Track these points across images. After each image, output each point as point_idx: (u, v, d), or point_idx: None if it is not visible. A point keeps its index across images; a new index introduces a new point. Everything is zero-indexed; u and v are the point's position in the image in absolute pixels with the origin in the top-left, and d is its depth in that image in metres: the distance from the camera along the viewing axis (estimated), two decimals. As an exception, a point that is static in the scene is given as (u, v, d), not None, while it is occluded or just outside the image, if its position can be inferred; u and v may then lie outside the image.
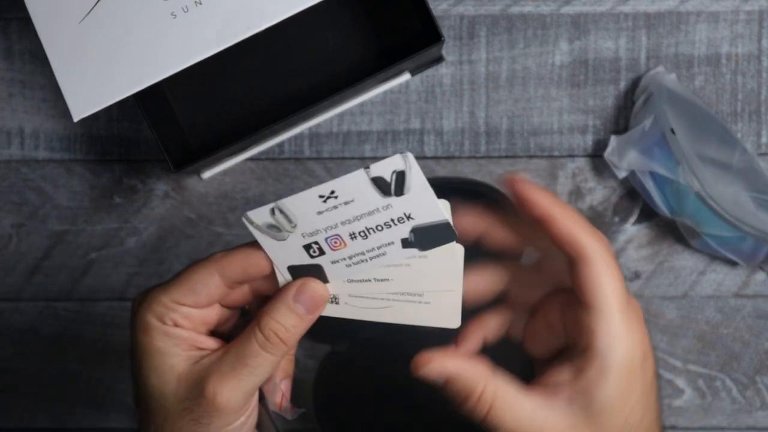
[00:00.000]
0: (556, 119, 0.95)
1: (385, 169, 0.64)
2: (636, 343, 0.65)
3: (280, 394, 0.71)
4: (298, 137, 0.95)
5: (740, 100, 0.94)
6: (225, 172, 0.95)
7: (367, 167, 0.64)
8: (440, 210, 0.66)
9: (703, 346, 0.96)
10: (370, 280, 0.68)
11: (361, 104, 0.95)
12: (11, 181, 0.96)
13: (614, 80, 0.94)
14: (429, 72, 0.95)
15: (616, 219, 0.95)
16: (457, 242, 0.67)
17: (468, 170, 0.95)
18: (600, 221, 0.95)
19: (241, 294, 0.69)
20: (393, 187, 0.65)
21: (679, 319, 0.95)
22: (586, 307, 0.65)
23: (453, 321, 0.69)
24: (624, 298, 0.65)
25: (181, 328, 0.67)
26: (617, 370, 0.64)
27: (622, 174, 0.91)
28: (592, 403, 0.65)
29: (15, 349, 0.97)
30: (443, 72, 0.95)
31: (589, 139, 0.95)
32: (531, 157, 0.95)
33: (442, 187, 0.93)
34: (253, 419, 0.68)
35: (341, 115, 0.95)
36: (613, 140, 0.91)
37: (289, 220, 0.66)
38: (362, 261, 0.67)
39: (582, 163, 0.95)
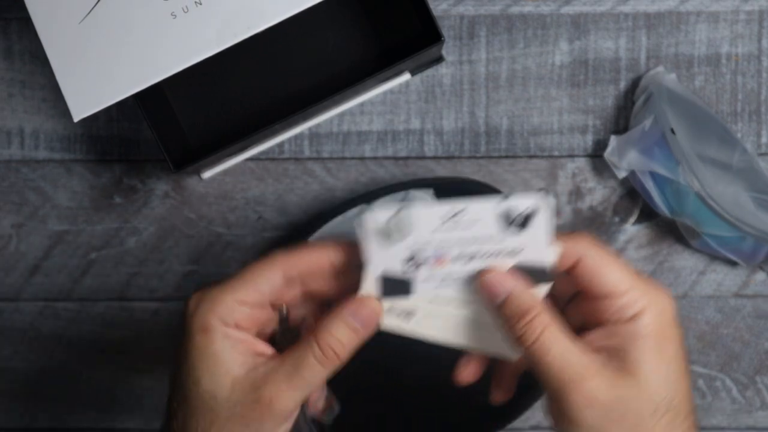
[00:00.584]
0: (556, 119, 0.95)
1: (519, 204, 0.65)
2: (659, 308, 0.66)
3: (324, 401, 0.72)
4: (298, 137, 0.95)
5: (740, 100, 0.94)
6: (225, 172, 0.95)
7: (505, 197, 0.64)
8: (550, 257, 0.67)
9: (703, 346, 0.96)
10: (448, 303, 0.68)
11: (361, 104, 0.95)
12: (11, 181, 0.96)
13: (614, 80, 0.94)
14: (429, 72, 0.95)
15: (616, 219, 0.95)
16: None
17: (468, 170, 0.95)
18: (600, 221, 0.95)
19: (291, 295, 0.69)
20: (518, 223, 0.65)
21: (679, 319, 0.95)
22: (603, 296, 0.66)
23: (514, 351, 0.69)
24: (633, 275, 0.67)
25: (240, 330, 0.67)
26: (647, 333, 0.66)
27: (622, 174, 0.91)
28: (626, 364, 0.65)
29: (15, 349, 0.97)
30: (443, 72, 0.95)
31: (589, 139, 0.95)
32: (531, 157, 0.95)
33: (442, 187, 0.94)
34: (291, 423, 0.68)
35: (341, 115, 0.95)
36: (613, 140, 0.91)
37: (403, 229, 0.66)
38: (453, 283, 0.68)
39: (582, 163, 0.95)
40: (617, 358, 0.66)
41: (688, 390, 0.67)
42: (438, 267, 0.67)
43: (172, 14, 0.78)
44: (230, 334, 0.66)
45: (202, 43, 0.78)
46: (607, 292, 0.66)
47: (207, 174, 0.95)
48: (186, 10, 0.78)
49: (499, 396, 0.73)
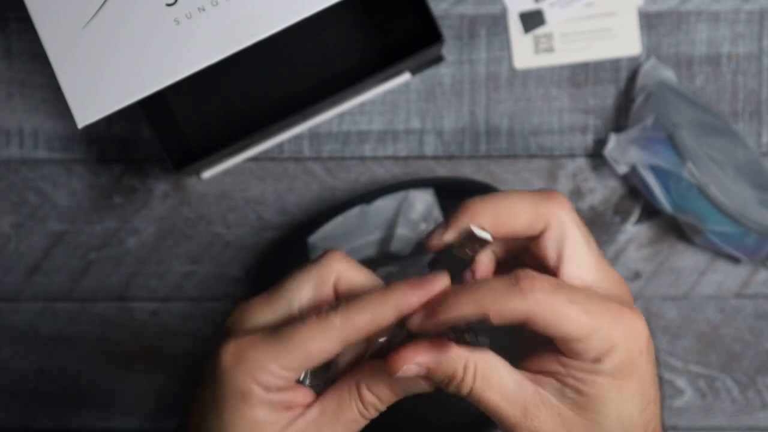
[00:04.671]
0: (556, 119, 0.95)
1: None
2: (626, 344, 0.60)
3: None
4: (298, 137, 0.95)
5: (741, 99, 0.94)
6: (225, 172, 0.95)
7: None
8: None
9: (704, 346, 0.96)
10: None
11: (361, 104, 0.95)
12: (10, 181, 0.96)
13: (615, 80, 0.94)
14: (429, 72, 0.95)
15: (617, 219, 0.95)
16: None
17: (468, 170, 0.95)
18: (601, 221, 0.95)
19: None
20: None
21: (679, 319, 0.95)
22: (562, 340, 0.60)
23: None
24: (594, 311, 0.60)
25: (282, 392, 0.61)
26: (610, 371, 0.60)
27: (622, 169, 0.91)
28: (584, 399, 0.61)
29: (14, 349, 0.97)
30: (443, 72, 0.95)
31: (590, 139, 0.95)
32: (531, 156, 0.95)
33: (442, 187, 0.93)
34: None
35: (341, 115, 0.95)
36: (613, 138, 0.91)
37: None
38: None
39: (582, 162, 0.95)
40: (572, 389, 0.61)
41: (657, 424, 0.63)
42: None
43: (175, 20, 0.78)
44: (273, 400, 0.60)
45: (206, 49, 0.77)
46: (565, 338, 0.60)
47: (207, 174, 0.95)
48: (189, 17, 0.77)
49: None
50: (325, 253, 0.63)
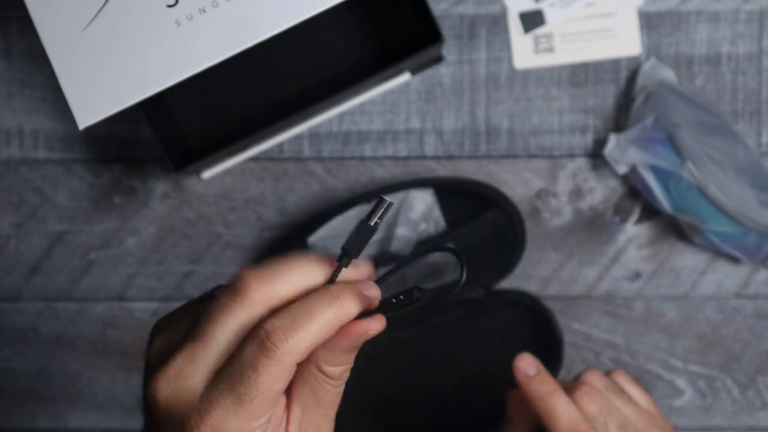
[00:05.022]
0: (556, 119, 0.95)
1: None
2: None
3: None
4: (298, 137, 0.95)
5: (741, 99, 0.94)
6: (225, 172, 0.95)
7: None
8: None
9: (704, 346, 0.96)
10: None
11: (361, 104, 0.95)
12: (10, 181, 0.96)
13: (614, 80, 0.94)
14: (429, 72, 0.94)
15: (617, 219, 0.95)
16: None
17: (468, 170, 0.95)
18: (601, 221, 0.95)
19: None
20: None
21: (679, 319, 0.95)
22: None
23: None
24: None
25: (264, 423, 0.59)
26: None
27: (622, 169, 0.91)
28: None
29: (15, 349, 0.97)
30: (443, 72, 0.94)
31: (590, 139, 0.95)
32: (531, 156, 0.95)
33: (442, 187, 0.93)
34: None
35: (341, 115, 0.95)
36: (613, 138, 0.91)
37: None
38: None
39: (582, 162, 0.95)
40: None
41: None
42: None
43: (176, 22, 0.77)
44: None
45: (207, 51, 0.77)
46: None
47: (206, 174, 0.95)
48: (190, 18, 0.77)
49: None
50: (239, 282, 0.58)
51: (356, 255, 0.60)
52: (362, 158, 0.95)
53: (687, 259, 0.95)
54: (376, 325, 0.59)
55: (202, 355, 0.58)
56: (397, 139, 0.95)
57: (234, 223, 0.95)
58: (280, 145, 0.95)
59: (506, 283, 0.95)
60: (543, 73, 0.94)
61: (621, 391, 0.80)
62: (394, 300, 0.59)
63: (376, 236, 0.93)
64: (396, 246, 0.92)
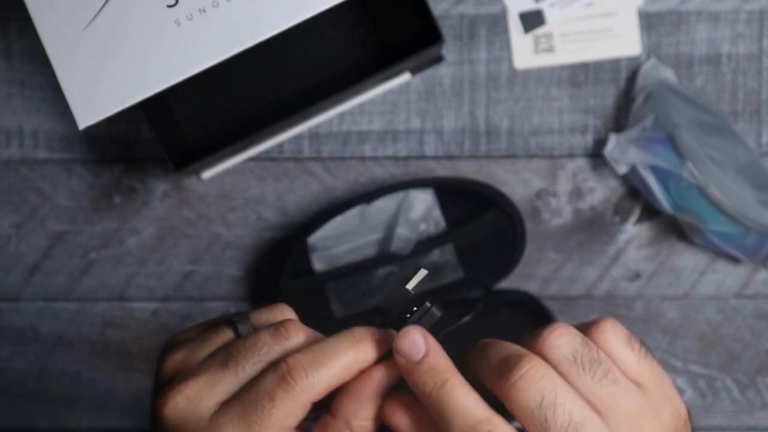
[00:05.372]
0: (556, 119, 0.95)
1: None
2: None
3: None
4: (298, 137, 0.95)
5: (741, 99, 0.94)
6: (225, 172, 0.95)
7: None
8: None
9: (704, 346, 0.96)
10: None
11: (361, 104, 0.95)
12: (10, 181, 0.96)
13: (615, 80, 0.94)
14: (429, 72, 0.94)
15: (617, 219, 0.95)
16: None
17: (468, 170, 0.95)
18: (600, 221, 0.95)
19: None
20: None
21: (679, 319, 0.95)
22: None
23: None
24: None
25: None
26: None
27: (622, 169, 0.91)
28: None
29: (15, 349, 0.97)
30: (443, 72, 0.94)
31: (590, 139, 0.95)
32: (531, 156, 0.95)
33: (442, 187, 0.93)
34: None
35: (341, 115, 0.95)
36: (613, 138, 0.91)
37: None
38: None
39: (582, 162, 0.95)
40: None
41: None
42: None
43: (176, 22, 0.77)
44: None
45: (207, 51, 0.77)
46: None
47: (207, 174, 0.95)
48: (190, 18, 0.77)
49: None
50: (288, 370, 0.58)
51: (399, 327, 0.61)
52: (362, 158, 0.95)
53: (687, 259, 0.95)
54: (394, 370, 0.59)
55: (226, 382, 0.58)
56: (397, 139, 0.95)
57: (234, 223, 0.95)
58: (280, 145, 0.95)
59: (506, 283, 0.95)
60: (543, 73, 0.94)
61: (597, 361, 0.58)
62: (408, 315, 0.60)
63: (377, 236, 0.93)
64: (396, 246, 0.92)
